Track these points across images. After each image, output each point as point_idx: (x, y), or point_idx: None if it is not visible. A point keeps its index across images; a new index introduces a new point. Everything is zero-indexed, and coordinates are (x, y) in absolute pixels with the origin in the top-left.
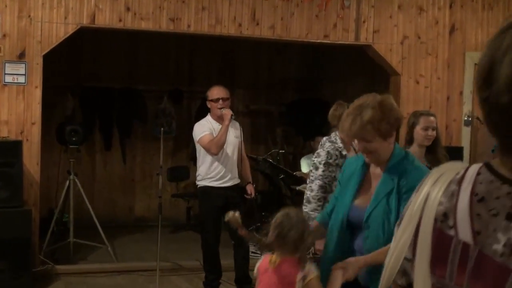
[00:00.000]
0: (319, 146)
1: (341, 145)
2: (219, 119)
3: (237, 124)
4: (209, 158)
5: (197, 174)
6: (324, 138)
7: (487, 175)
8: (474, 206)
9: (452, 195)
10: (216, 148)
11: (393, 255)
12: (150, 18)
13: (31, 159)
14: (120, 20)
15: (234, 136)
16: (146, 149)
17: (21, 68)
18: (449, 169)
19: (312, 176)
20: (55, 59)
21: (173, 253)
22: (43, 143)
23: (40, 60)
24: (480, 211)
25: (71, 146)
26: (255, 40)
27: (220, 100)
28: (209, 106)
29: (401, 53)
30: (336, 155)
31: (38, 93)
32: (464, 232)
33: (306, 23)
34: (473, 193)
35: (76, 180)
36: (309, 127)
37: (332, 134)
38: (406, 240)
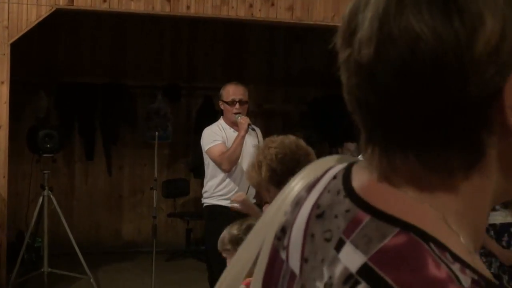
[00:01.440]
0: (349, 154)
1: None
2: (234, 124)
3: (257, 130)
4: (219, 171)
5: (203, 190)
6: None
7: (339, 181)
8: (311, 223)
9: (297, 204)
10: (228, 163)
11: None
12: None
13: None
14: (105, 1)
15: (251, 145)
16: (136, 158)
17: None
18: (318, 165)
19: None
20: (25, 48)
21: (170, 286)
22: (10, 151)
23: (7, 50)
24: (315, 230)
25: (44, 155)
26: (269, 24)
27: (237, 103)
28: (221, 107)
29: None
30: None
31: (4, 90)
32: (294, 257)
33: (332, 3)
34: (315, 205)
35: (51, 196)
36: (336, 131)
37: None
38: (249, 258)
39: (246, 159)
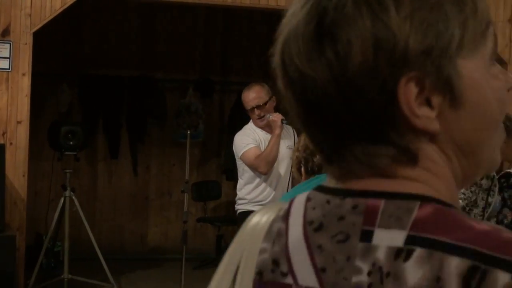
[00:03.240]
0: None
1: None
2: (266, 126)
3: (290, 130)
4: (254, 176)
5: (237, 197)
6: None
7: (320, 196)
8: (311, 238)
9: (279, 235)
10: (265, 165)
11: None
12: None
13: (16, 170)
14: None
15: (286, 146)
16: (164, 158)
17: (4, 50)
18: (268, 210)
19: None
20: (47, 38)
21: None
22: (30, 148)
23: (29, 39)
24: (320, 241)
25: (66, 153)
26: None
27: (255, 110)
28: (248, 114)
29: (508, 34)
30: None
31: (26, 83)
32: (305, 274)
33: None
34: (306, 223)
35: (73, 197)
36: None
37: None
38: None
39: (282, 162)
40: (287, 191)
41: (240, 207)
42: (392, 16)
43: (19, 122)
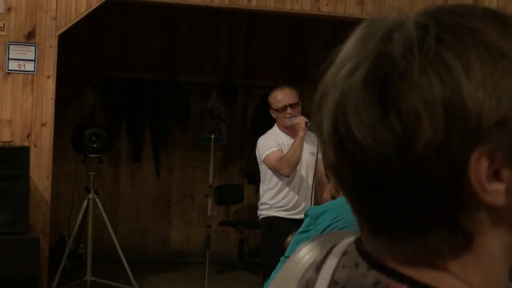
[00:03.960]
0: None
1: None
2: (290, 131)
3: (313, 136)
4: (277, 181)
5: (260, 202)
6: None
7: (354, 255)
8: None
9: (307, 285)
10: (288, 167)
11: None
12: None
13: (40, 172)
14: None
15: (309, 152)
16: (186, 161)
17: (29, 52)
18: (316, 246)
19: None
20: (72, 40)
21: None
22: (54, 151)
23: (54, 42)
24: None
25: (90, 155)
26: (337, 19)
27: (288, 108)
28: (273, 116)
29: None
30: None
31: (50, 85)
32: None
33: None
34: (332, 283)
35: (97, 199)
36: None
37: None
38: None
39: (305, 168)
40: (311, 197)
41: (262, 212)
42: (463, 83)
43: (43, 125)
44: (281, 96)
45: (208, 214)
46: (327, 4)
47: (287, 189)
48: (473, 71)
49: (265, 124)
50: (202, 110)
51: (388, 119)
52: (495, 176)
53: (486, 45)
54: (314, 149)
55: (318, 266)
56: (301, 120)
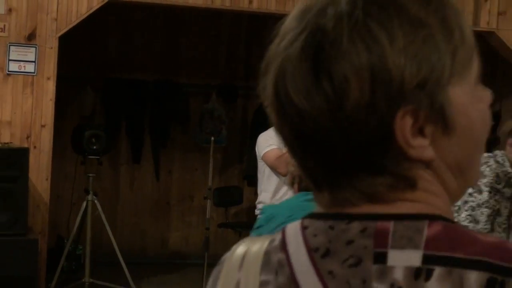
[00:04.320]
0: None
1: (510, 169)
2: None
3: None
4: (275, 181)
5: (257, 201)
6: (485, 155)
7: (319, 223)
8: (320, 264)
9: (281, 265)
10: (285, 166)
11: None
12: None
13: (39, 173)
14: None
15: None
16: (186, 163)
17: (30, 53)
18: (254, 241)
19: (473, 201)
20: (72, 41)
21: None
22: (53, 152)
23: (55, 43)
24: (331, 267)
25: (90, 157)
26: None
27: None
28: None
29: None
30: (505, 182)
31: (50, 86)
32: None
33: None
34: (311, 251)
35: (96, 201)
36: None
37: (498, 153)
38: None
39: None
40: None
41: (259, 211)
42: (387, 50)
43: (43, 126)
44: None
45: (207, 217)
46: None
47: (284, 188)
48: (396, 39)
49: (265, 126)
50: (202, 112)
51: (320, 84)
52: (420, 132)
53: (408, 16)
54: None
55: (280, 247)
56: None
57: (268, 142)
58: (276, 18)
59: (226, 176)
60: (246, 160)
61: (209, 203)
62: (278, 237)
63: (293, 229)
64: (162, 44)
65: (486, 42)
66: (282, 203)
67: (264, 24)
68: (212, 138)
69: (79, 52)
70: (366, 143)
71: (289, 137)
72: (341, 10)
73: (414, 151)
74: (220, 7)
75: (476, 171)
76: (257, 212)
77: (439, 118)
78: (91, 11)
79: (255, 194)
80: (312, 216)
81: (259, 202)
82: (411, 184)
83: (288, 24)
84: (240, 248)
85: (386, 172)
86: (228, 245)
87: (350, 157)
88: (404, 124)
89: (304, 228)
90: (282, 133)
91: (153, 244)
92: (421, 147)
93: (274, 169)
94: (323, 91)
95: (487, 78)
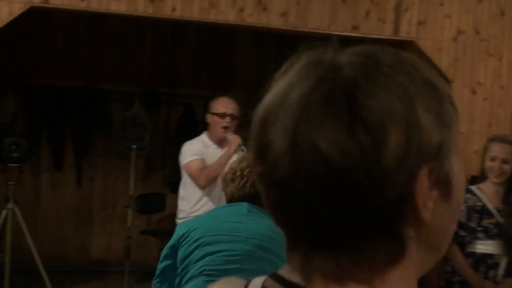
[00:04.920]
0: None
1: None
2: (220, 142)
3: (245, 150)
4: (197, 189)
5: (178, 209)
6: None
7: (275, 285)
8: None
9: None
10: (205, 180)
11: None
12: None
13: None
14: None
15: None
16: (108, 170)
17: None
18: (223, 285)
19: None
20: None
21: None
22: None
23: None
24: None
25: (10, 165)
26: (260, 30)
27: (228, 117)
28: (209, 121)
29: (453, 53)
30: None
31: None
32: None
33: (330, 10)
34: None
35: (16, 209)
36: None
37: None
38: None
39: None
40: None
41: (180, 220)
42: (417, 106)
43: None
44: (225, 104)
45: (128, 225)
46: (251, 15)
47: (206, 198)
48: (422, 97)
49: (189, 133)
50: (125, 119)
51: (356, 133)
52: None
53: (423, 78)
54: None
55: None
56: (235, 140)
57: (192, 152)
58: (200, 26)
59: (149, 182)
60: (169, 167)
61: (130, 211)
62: None
63: (254, 285)
64: (85, 50)
65: (406, 51)
66: (198, 219)
67: (188, 31)
68: (134, 146)
69: (1, 58)
70: (389, 199)
71: (302, 193)
72: (364, 64)
73: (426, 213)
74: (143, 15)
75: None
76: (176, 221)
77: (444, 183)
78: (12, 17)
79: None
80: (275, 277)
81: (181, 211)
82: (401, 253)
83: (292, 77)
84: None
85: (389, 234)
86: (150, 252)
87: (364, 213)
88: (424, 183)
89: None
90: (292, 189)
91: (74, 252)
92: (429, 208)
93: (194, 180)
94: (359, 141)
95: None
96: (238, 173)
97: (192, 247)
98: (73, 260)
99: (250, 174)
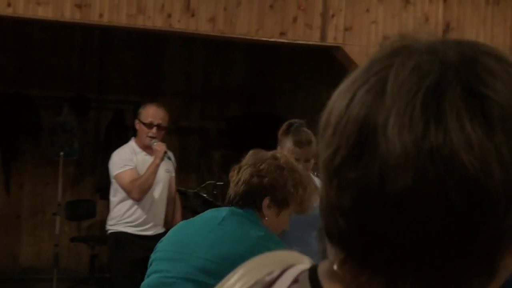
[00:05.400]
0: None
1: None
2: (147, 148)
3: (171, 154)
4: (127, 197)
5: (109, 217)
6: None
7: (305, 286)
8: None
9: None
10: (139, 192)
11: None
12: (50, 2)
13: None
14: (9, 5)
15: (164, 169)
16: (37, 176)
17: None
18: (260, 264)
19: None
20: None
21: None
22: None
23: None
24: None
25: None
26: (188, 35)
27: (154, 128)
28: (137, 127)
29: None
30: None
31: None
32: None
33: (257, 16)
34: None
35: None
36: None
37: None
38: None
39: (158, 185)
40: (163, 214)
41: (111, 227)
42: None
43: None
44: (153, 113)
45: (56, 232)
46: (179, 21)
47: (137, 206)
48: None
49: (118, 139)
50: (54, 125)
51: (493, 138)
52: None
53: None
54: (170, 167)
55: (266, 286)
56: (160, 148)
57: (122, 162)
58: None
59: (79, 189)
60: (99, 173)
61: (58, 218)
62: (276, 273)
63: (290, 275)
64: (12, 56)
65: (333, 57)
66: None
67: (117, 36)
68: (61, 153)
69: None
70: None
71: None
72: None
73: None
74: (70, 20)
75: None
76: (107, 227)
77: None
78: None
79: (108, 207)
80: (312, 273)
81: (112, 218)
82: (492, 280)
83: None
84: (233, 278)
85: (490, 266)
86: (81, 259)
87: (481, 242)
88: None
89: (295, 281)
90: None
91: (3, 260)
92: None
93: (127, 193)
94: (498, 149)
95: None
96: (236, 170)
97: (150, 261)
98: (1, 268)
99: (245, 171)
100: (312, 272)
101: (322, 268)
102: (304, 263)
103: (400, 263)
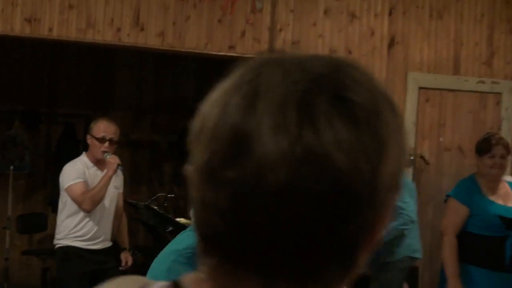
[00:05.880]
0: None
1: None
2: (99, 162)
3: (119, 171)
4: (77, 210)
5: (57, 231)
6: None
7: None
8: None
9: None
10: (90, 204)
11: None
12: None
13: None
14: None
15: (113, 185)
16: None
17: None
18: (120, 284)
19: None
20: None
21: None
22: None
23: None
24: None
25: None
26: (138, 49)
27: (107, 142)
28: (89, 142)
29: None
30: None
31: None
32: None
33: (206, 30)
34: None
35: None
36: None
37: None
38: None
39: (108, 199)
40: (110, 228)
41: (59, 242)
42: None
43: None
44: (105, 128)
45: (6, 247)
46: (128, 35)
47: (87, 219)
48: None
49: (70, 152)
50: (5, 139)
51: (362, 139)
52: None
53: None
54: (118, 183)
55: None
56: (114, 160)
57: (74, 175)
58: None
59: (30, 202)
60: (50, 186)
61: (8, 232)
62: None
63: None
64: None
65: None
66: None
67: (68, 50)
68: (12, 167)
69: None
70: (369, 220)
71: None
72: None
73: (380, 236)
74: (19, 35)
75: None
76: (55, 242)
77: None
78: None
79: None
80: (176, 286)
81: (60, 232)
82: (351, 270)
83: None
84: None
85: (352, 257)
86: (33, 272)
87: (345, 235)
88: (391, 207)
89: None
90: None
91: None
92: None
93: (78, 205)
94: (366, 149)
95: None
96: None
97: None
98: None
99: None
100: (176, 284)
101: (187, 279)
102: (158, 284)
103: (276, 262)
